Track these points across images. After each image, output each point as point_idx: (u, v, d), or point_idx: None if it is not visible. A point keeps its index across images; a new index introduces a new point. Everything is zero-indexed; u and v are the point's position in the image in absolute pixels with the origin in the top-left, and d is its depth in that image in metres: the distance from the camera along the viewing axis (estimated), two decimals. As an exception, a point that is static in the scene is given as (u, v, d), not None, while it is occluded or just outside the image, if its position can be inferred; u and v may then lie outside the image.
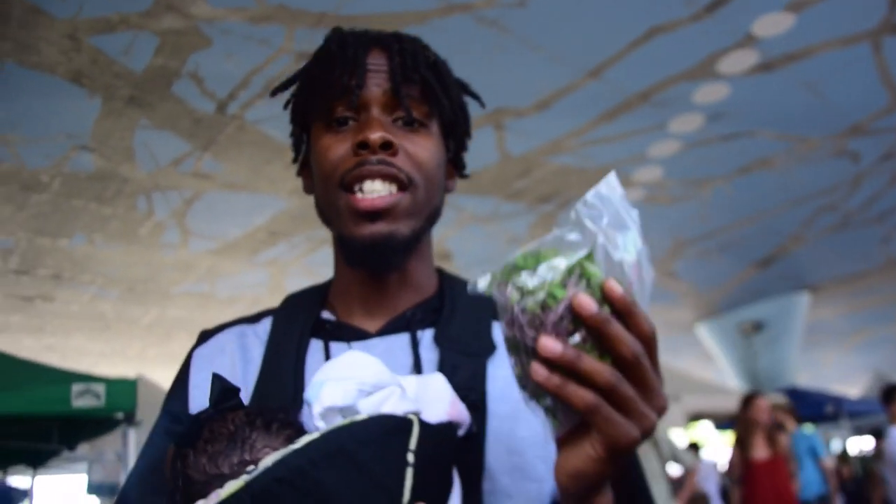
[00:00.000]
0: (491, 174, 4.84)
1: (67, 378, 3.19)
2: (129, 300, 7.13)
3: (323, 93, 0.81)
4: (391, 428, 0.58)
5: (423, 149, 0.81)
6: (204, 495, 0.57)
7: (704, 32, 3.54)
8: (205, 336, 0.90)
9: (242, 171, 4.61)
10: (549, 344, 0.50)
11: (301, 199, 4.99)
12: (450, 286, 0.91)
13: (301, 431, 0.62)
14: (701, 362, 11.90)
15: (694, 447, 6.31)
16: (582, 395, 0.51)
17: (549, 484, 0.73)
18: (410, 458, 0.57)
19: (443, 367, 0.78)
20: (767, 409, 4.28)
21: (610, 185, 0.56)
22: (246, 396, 0.77)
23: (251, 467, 0.56)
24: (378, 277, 0.84)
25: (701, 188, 5.38)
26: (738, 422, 4.58)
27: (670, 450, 3.48)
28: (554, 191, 5.20)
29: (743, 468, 4.30)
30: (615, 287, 0.51)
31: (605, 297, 0.51)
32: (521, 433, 0.76)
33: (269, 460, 0.55)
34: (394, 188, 0.77)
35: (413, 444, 0.57)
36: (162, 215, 5.23)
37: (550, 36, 3.47)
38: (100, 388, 3.09)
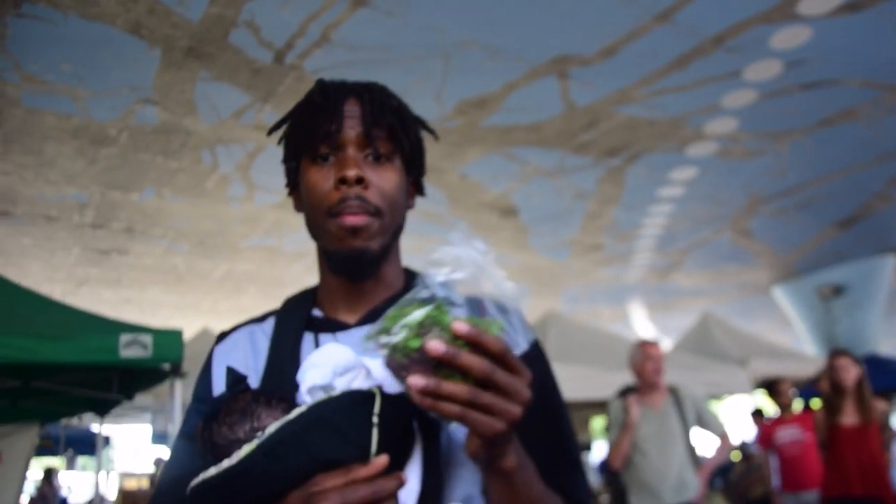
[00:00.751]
0: (555, 126, 4.70)
1: (117, 328, 3.26)
2: (200, 254, 7.29)
3: (309, 135, 1.01)
4: (358, 399, 0.80)
5: (388, 180, 1.00)
6: (228, 455, 0.77)
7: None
8: (222, 336, 1.12)
9: (303, 124, 4.58)
10: (413, 381, 0.68)
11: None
12: (415, 281, 1.02)
13: (293, 406, 0.83)
14: (778, 326, 11.51)
15: (758, 414, 6.05)
16: (449, 409, 0.69)
17: None
18: (375, 420, 0.77)
19: None
20: (853, 369, 4.03)
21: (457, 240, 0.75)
22: (256, 381, 0.99)
23: (259, 433, 0.77)
24: (356, 281, 1.04)
25: (778, 141, 5.10)
26: (823, 383, 4.35)
27: (697, 414, 3.35)
28: (623, 143, 5.01)
29: (828, 433, 4.09)
30: (459, 326, 0.69)
31: (454, 336, 0.69)
32: None
33: (271, 428, 0.76)
34: (366, 216, 0.97)
35: (376, 409, 0.78)
36: (227, 169, 5.28)
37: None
38: (147, 339, 3.15)
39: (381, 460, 0.76)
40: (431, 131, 1.14)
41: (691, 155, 5.25)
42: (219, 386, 1.03)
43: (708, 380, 5.24)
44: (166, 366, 3.36)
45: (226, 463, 0.77)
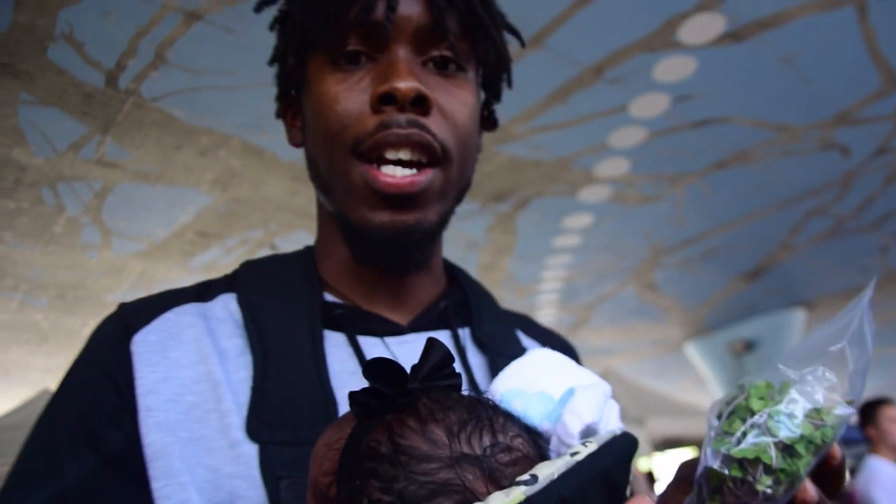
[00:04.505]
0: (435, 166, 4.30)
1: None
2: (62, 309, 6.61)
3: (330, 14, 0.62)
4: (631, 446, 0.54)
5: (461, 105, 0.66)
6: (437, 477, 0.44)
7: (661, -11, 3.03)
8: (137, 315, 0.64)
9: (152, 159, 4.10)
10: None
11: (225, 192, 4.49)
12: (462, 276, 0.82)
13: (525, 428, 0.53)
14: (693, 385, 11.34)
15: (650, 478, 5.64)
16: None
17: None
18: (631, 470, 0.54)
19: (494, 372, 0.68)
20: None
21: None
22: (238, 398, 0.59)
23: (525, 475, 0.46)
24: (393, 271, 0.69)
25: (674, 186, 4.84)
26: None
27: None
28: (509, 187, 4.67)
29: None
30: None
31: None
32: None
33: (547, 472, 0.46)
34: (423, 159, 0.62)
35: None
36: (74, 211, 4.72)
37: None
38: None
39: None
40: (518, 35, 0.79)
41: (584, 200, 4.95)
42: (157, 409, 0.58)
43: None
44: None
45: None
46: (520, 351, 0.77)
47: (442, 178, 0.64)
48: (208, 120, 3.73)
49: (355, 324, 0.67)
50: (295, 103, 0.72)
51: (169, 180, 4.37)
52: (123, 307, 0.67)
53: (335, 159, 0.63)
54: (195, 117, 3.70)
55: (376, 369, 0.49)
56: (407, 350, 0.66)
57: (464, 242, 5.67)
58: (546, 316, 8.12)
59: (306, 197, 4.47)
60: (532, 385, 0.57)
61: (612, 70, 3.50)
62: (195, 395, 0.59)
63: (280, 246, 5.24)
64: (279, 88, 0.74)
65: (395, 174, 0.60)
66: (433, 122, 0.62)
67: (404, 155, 0.61)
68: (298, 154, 4.23)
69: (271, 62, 0.75)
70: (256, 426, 0.57)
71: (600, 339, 9.32)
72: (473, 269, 6.59)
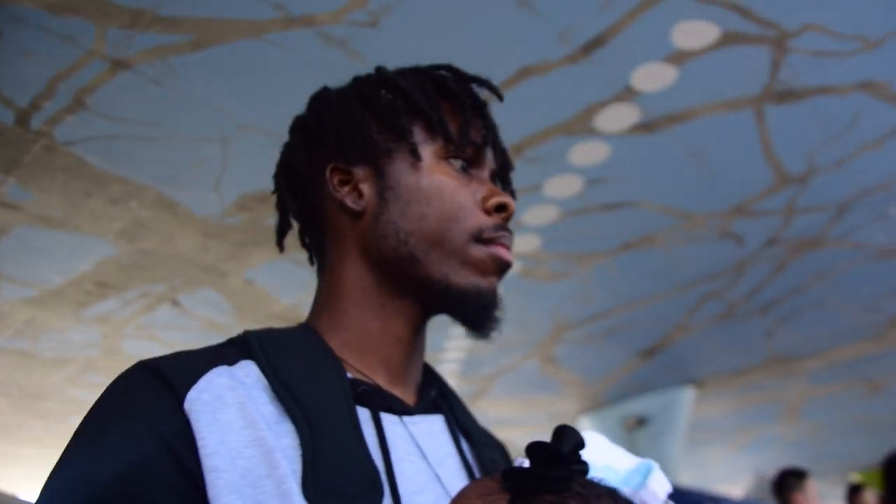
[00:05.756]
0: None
1: None
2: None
3: (443, 125, 0.78)
4: None
5: None
6: None
7: (581, 79, 3.19)
8: (181, 373, 0.63)
9: (57, 204, 3.93)
10: None
11: (132, 243, 4.33)
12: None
13: None
14: (586, 458, 11.46)
15: None
16: None
17: None
18: None
19: (482, 460, 0.78)
20: None
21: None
22: (291, 468, 0.59)
23: None
24: (415, 339, 0.77)
25: (582, 264, 5.01)
26: None
27: None
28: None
29: None
30: None
31: None
32: None
33: None
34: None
35: None
36: (-39, 254, 4.44)
37: (406, 63, 3.04)
38: None
39: None
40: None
41: (496, 272, 5.02)
42: (225, 474, 0.56)
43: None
44: None
45: None
46: (488, 438, 0.87)
47: None
48: (123, 168, 3.62)
49: (378, 401, 0.72)
50: (358, 165, 0.79)
51: (73, 227, 4.18)
52: (152, 364, 0.65)
53: (452, 238, 0.74)
54: (109, 164, 3.59)
55: (535, 449, 0.56)
56: (419, 430, 0.72)
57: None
58: (448, 385, 8.09)
59: (216, 254, 4.38)
60: (614, 462, 0.64)
61: (531, 150, 3.64)
62: (247, 459, 0.59)
63: (183, 302, 5.07)
64: (364, 147, 0.80)
65: (508, 255, 0.79)
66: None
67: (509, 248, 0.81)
68: (213, 210, 4.12)
69: (344, 120, 0.83)
70: (314, 495, 0.59)
71: (499, 410, 9.36)
72: (379, 335, 6.49)
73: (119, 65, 3.19)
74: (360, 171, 0.80)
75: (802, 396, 8.24)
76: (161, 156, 3.68)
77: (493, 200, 0.78)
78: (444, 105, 0.82)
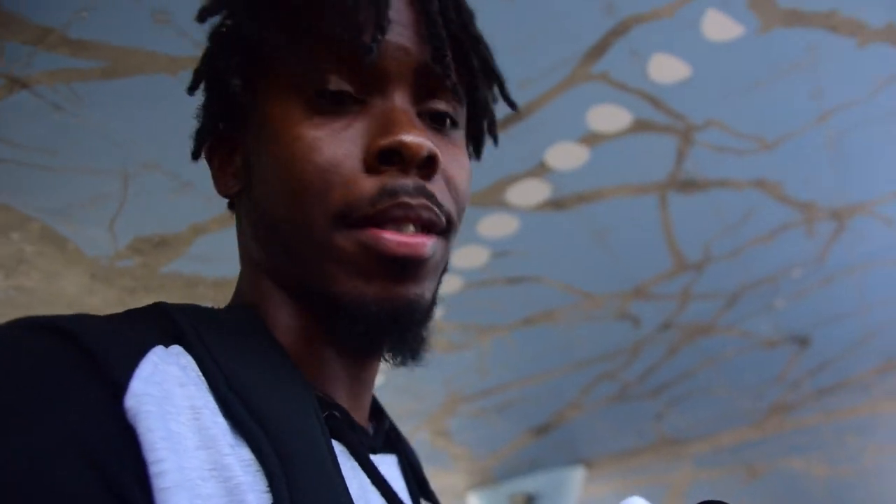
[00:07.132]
0: (248, 288, 4.11)
1: None
2: None
3: (309, 39, 0.47)
4: None
5: (461, 169, 0.56)
6: None
7: (496, 151, 3.20)
8: (113, 342, 0.39)
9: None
10: None
11: (8, 279, 3.98)
12: None
13: None
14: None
15: None
16: None
17: None
18: None
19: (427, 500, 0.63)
20: None
21: None
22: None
23: None
24: (364, 358, 0.54)
25: (481, 337, 4.97)
26: None
27: None
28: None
29: None
30: None
31: None
32: None
33: None
34: (432, 235, 0.50)
35: None
36: None
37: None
38: None
39: None
40: (503, 86, 0.64)
41: (394, 340, 4.92)
42: (180, 486, 0.35)
43: None
44: None
45: None
46: (428, 487, 0.68)
47: (442, 249, 0.53)
48: (7, 196, 3.35)
49: (347, 435, 0.51)
50: (230, 140, 0.56)
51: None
52: (64, 325, 0.42)
53: (313, 224, 0.49)
54: (-12, 195, 3.31)
55: None
56: (384, 470, 0.53)
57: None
58: (335, 454, 7.84)
59: (102, 298, 4.08)
60: None
61: (441, 218, 3.60)
62: (204, 500, 0.38)
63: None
64: (206, 119, 0.57)
65: (404, 238, 0.48)
66: (437, 190, 0.51)
67: (406, 231, 0.49)
68: (105, 250, 3.88)
69: (195, 81, 0.57)
70: None
71: (386, 482, 9.13)
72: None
73: (16, 83, 2.96)
74: (229, 142, 0.57)
75: (687, 480, 8.39)
76: (53, 186, 3.42)
77: (378, 144, 0.49)
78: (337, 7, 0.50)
